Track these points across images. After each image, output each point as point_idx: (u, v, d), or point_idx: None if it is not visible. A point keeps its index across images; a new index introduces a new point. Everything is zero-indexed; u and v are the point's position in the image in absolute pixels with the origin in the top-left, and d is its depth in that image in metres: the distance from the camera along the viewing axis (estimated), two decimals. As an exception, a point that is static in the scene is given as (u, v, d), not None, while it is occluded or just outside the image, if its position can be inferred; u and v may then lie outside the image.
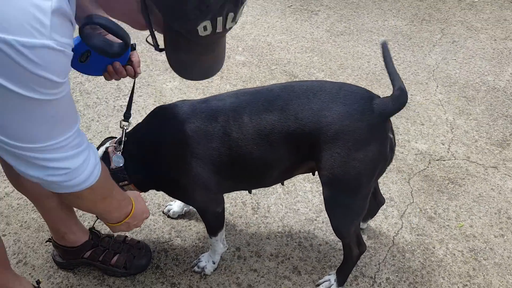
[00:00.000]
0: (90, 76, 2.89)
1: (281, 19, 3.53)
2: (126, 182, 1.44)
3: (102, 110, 2.62)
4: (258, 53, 3.10)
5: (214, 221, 1.58)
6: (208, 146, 1.35)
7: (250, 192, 1.69)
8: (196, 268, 1.69)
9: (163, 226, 1.88)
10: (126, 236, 1.77)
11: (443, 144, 2.28)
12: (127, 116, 1.45)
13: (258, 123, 1.32)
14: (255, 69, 2.93)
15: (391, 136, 1.38)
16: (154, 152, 1.41)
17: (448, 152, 2.23)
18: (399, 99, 1.34)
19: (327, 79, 2.78)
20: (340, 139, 1.29)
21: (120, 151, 1.42)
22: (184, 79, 1.64)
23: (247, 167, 1.39)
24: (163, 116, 1.44)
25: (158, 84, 2.83)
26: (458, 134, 2.35)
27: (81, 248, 1.67)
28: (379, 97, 1.36)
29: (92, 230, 1.71)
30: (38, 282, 1.58)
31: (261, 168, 1.41)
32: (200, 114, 1.37)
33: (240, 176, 1.44)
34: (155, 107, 1.50)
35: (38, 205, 1.55)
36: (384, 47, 1.43)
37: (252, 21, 3.52)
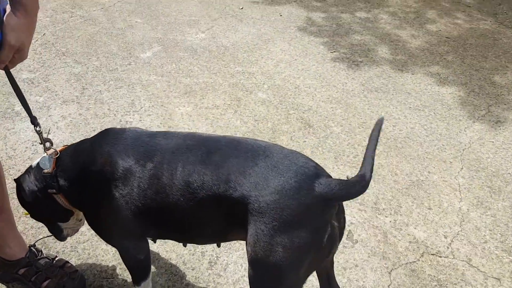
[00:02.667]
0: (110, 87, 2.93)
1: (319, 63, 3.39)
2: (54, 190, 1.39)
3: (108, 122, 2.61)
4: (282, 94, 2.97)
5: (135, 268, 1.46)
6: (135, 185, 1.26)
7: (184, 246, 1.55)
8: None
9: (111, 259, 1.78)
10: (67, 262, 1.69)
11: (445, 238, 1.99)
12: (33, 121, 1.41)
13: (189, 174, 1.22)
14: (272, 110, 2.80)
15: (335, 224, 1.19)
16: (83, 171, 1.35)
17: (448, 248, 1.95)
18: (352, 186, 1.15)
19: (343, 135, 2.59)
20: (266, 215, 1.13)
21: (54, 157, 1.39)
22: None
23: (173, 218, 1.27)
24: (106, 138, 1.37)
25: (171, 107, 2.79)
26: (467, 229, 2.05)
27: (16, 264, 1.61)
28: (329, 177, 1.19)
29: (31, 247, 1.66)
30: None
31: (188, 223, 1.28)
32: (139, 147, 1.30)
33: (167, 225, 1.32)
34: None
35: None
36: (379, 124, 1.24)
37: (289, 60, 3.41)
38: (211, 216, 1.25)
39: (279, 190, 1.15)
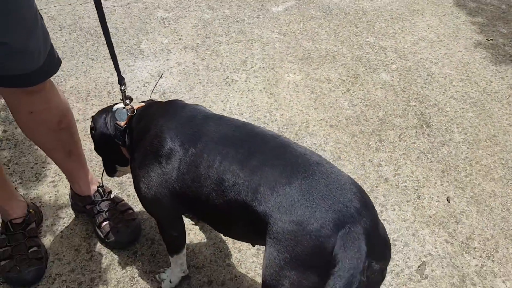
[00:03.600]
0: (230, 39, 2.89)
1: (467, 50, 2.83)
2: (120, 143, 1.45)
3: (215, 77, 2.61)
4: (409, 80, 2.58)
5: (169, 242, 1.47)
6: (175, 166, 1.23)
7: (253, 245, 1.50)
8: (157, 276, 1.61)
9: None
10: (129, 208, 1.78)
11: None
12: (120, 81, 1.42)
13: (224, 171, 1.15)
14: (391, 97, 2.46)
15: (361, 278, 0.99)
16: (140, 136, 1.36)
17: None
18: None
19: (463, 146, 2.16)
20: (280, 242, 1.01)
21: (129, 114, 1.44)
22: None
23: (206, 208, 1.21)
24: (167, 110, 1.37)
25: (281, 72, 2.64)
26: None
27: (84, 199, 1.76)
28: (369, 224, 0.99)
29: (99, 188, 1.78)
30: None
31: (219, 217, 1.22)
32: (188, 130, 1.26)
33: (201, 213, 1.29)
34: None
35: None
36: None
37: (432, 40, 2.92)
38: (238, 218, 1.16)
39: (299, 222, 0.99)
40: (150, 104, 1.48)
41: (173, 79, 2.59)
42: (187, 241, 1.71)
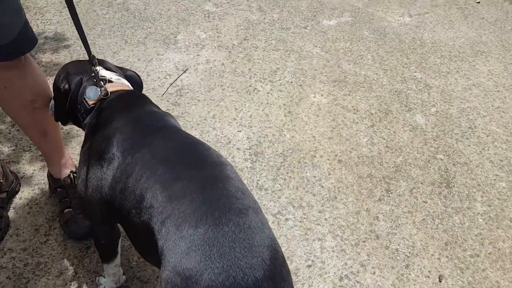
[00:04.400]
0: (268, 46, 2.76)
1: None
2: (81, 118, 1.36)
3: (238, 82, 2.50)
4: (446, 128, 2.30)
5: (97, 248, 1.40)
6: (111, 173, 1.15)
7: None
8: (97, 279, 1.55)
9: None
10: None
11: None
12: (91, 60, 1.32)
13: (146, 189, 1.05)
14: (418, 143, 2.20)
15: None
16: (101, 125, 1.26)
17: None
18: None
19: (478, 219, 1.87)
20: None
21: (101, 95, 1.32)
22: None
23: (126, 221, 1.13)
24: (132, 108, 1.29)
25: (309, 90, 2.47)
26: None
27: (56, 181, 1.74)
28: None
29: (71, 173, 1.75)
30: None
31: (136, 236, 1.14)
32: (135, 138, 1.17)
33: (124, 225, 1.19)
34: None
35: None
36: None
37: (489, 88, 2.58)
38: (149, 245, 1.04)
39: (185, 276, 0.88)
40: (125, 94, 1.35)
41: (195, 77, 2.52)
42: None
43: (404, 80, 2.60)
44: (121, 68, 1.48)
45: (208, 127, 2.21)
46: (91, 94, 1.32)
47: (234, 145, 2.13)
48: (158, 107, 1.35)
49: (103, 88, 1.33)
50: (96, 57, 1.38)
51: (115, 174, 1.13)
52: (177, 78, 2.48)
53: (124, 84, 1.39)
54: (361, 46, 2.85)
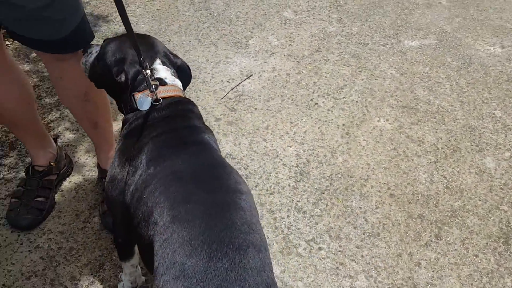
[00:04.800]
0: (340, 60, 2.65)
1: None
2: (128, 118, 1.30)
3: (292, 97, 2.43)
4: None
5: (116, 245, 1.42)
6: (135, 180, 1.14)
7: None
8: (120, 275, 1.59)
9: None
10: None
11: None
12: (141, 63, 1.23)
13: (156, 203, 1.04)
14: (482, 189, 1.97)
15: None
16: (140, 129, 1.23)
17: None
18: None
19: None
20: None
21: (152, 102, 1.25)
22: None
23: (136, 232, 1.12)
24: (174, 124, 1.23)
25: (373, 113, 2.33)
26: None
27: (101, 171, 1.83)
28: None
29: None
30: (64, 160, 1.88)
31: (143, 249, 1.12)
32: (168, 149, 1.16)
33: (134, 235, 1.18)
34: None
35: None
36: None
37: None
38: (150, 259, 1.03)
39: None
40: (172, 103, 1.27)
41: (257, 84, 2.49)
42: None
43: (480, 117, 2.35)
44: (174, 56, 1.40)
45: (258, 138, 2.17)
46: (143, 105, 1.25)
47: (281, 160, 2.07)
48: (201, 120, 1.31)
49: (153, 95, 1.25)
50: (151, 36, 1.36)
51: (137, 182, 1.14)
52: (240, 83, 2.47)
53: (176, 88, 1.33)
54: (440, 73, 2.63)
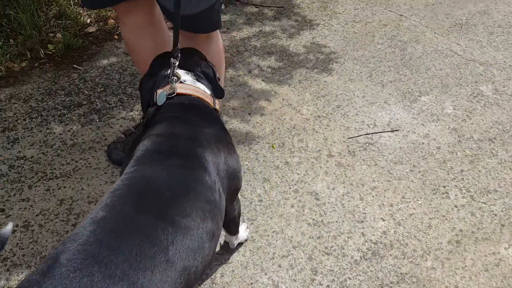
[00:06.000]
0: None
1: None
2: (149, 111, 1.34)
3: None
4: None
5: None
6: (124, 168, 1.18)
7: None
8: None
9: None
10: None
11: None
12: (173, 54, 1.29)
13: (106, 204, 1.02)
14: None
15: None
16: (151, 124, 1.27)
17: None
18: None
19: None
20: None
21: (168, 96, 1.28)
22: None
23: None
24: (180, 122, 1.24)
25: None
26: None
27: None
28: None
29: None
30: None
31: None
32: (155, 152, 1.16)
33: None
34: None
35: None
36: None
37: None
38: None
39: None
40: (184, 104, 1.27)
41: (397, 142, 2.23)
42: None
43: None
44: (205, 60, 1.43)
45: (357, 193, 1.96)
46: (160, 98, 1.27)
47: (364, 228, 1.83)
48: (212, 129, 1.25)
49: (170, 88, 1.27)
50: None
51: (122, 176, 1.12)
52: (379, 132, 2.26)
53: (197, 89, 1.31)
54: None
